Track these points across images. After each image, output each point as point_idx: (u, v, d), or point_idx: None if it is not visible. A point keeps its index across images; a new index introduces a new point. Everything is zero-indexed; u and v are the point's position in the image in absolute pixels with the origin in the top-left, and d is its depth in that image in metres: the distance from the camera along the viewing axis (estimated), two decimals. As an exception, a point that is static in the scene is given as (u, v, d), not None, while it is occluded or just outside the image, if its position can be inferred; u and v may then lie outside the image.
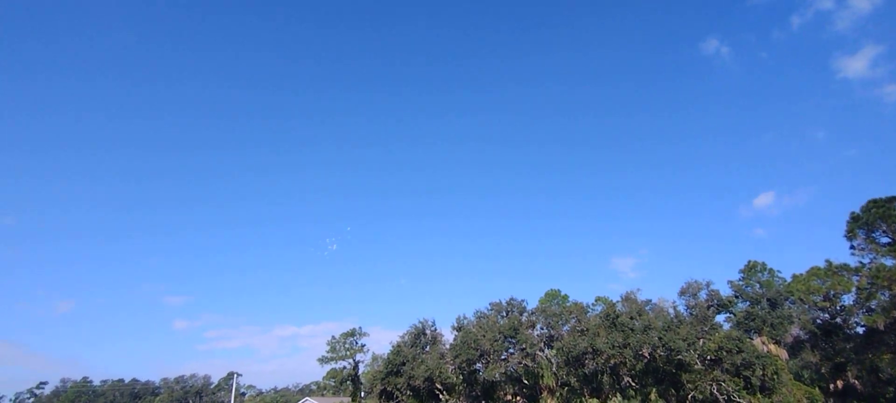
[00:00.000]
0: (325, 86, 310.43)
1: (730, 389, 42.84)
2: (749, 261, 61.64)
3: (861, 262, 48.73)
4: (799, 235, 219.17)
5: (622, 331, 48.85)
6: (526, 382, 53.13)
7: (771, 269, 60.94)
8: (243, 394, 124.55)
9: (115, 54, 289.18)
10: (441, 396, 57.10)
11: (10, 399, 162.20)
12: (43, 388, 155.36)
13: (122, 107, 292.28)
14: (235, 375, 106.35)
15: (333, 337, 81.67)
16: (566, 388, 52.10)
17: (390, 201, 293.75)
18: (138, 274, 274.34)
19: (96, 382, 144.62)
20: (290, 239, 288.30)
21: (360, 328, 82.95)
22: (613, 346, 47.10)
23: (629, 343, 46.95)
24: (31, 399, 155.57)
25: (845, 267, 52.31)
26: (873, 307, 47.75)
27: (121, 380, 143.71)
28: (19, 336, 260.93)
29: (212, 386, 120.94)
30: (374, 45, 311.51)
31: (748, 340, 46.97)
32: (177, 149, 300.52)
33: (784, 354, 51.07)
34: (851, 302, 51.95)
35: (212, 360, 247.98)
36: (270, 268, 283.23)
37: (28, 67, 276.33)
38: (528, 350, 51.73)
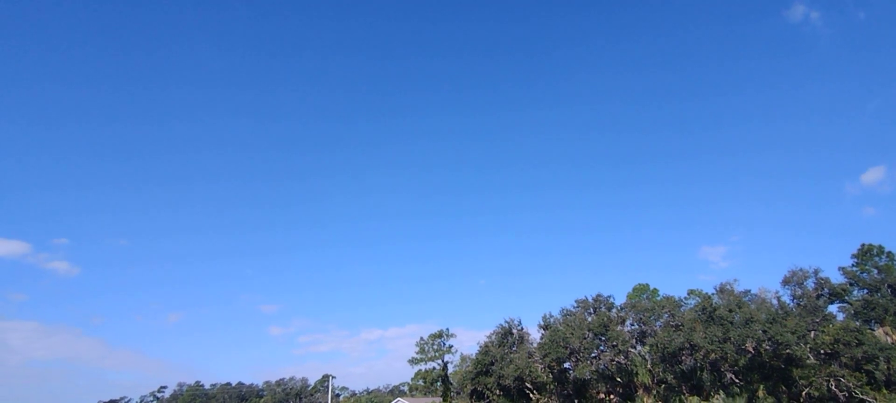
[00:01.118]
0: (414, 83, 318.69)
1: (850, 385, 39.55)
2: (863, 245, 56.36)
3: None
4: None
5: (721, 325, 46.56)
6: (619, 380, 52.03)
7: (889, 252, 55.38)
8: (338, 395, 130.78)
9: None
10: (531, 395, 57.21)
11: (137, 402, 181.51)
12: (163, 392, 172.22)
13: (221, 137, 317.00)
14: (331, 377, 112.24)
15: (422, 339, 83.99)
16: (663, 386, 50.44)
17: (466, 199, 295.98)
18: (236, 286, 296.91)
19: (207, 385, 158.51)
20: (372, 241, 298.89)
21: (447, 329, 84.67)
22: (712, 341, 45.02)
23: (730, 338, 44.67)
24: (153, 402, 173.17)
25: (983, 245, 46.63)
26: None
27: (228, 384, 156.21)
28: (139, 345, 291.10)
29: (309, 388, 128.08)
30: (476, 39, 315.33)
31: (869, 331, 43.19)
32: (264, 173, 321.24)
33: (912, 345, 46.39)
34: None
35: (306, 363, 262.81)
36: (355, 274, 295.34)
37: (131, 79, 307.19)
38: (620, 347, 50.59)
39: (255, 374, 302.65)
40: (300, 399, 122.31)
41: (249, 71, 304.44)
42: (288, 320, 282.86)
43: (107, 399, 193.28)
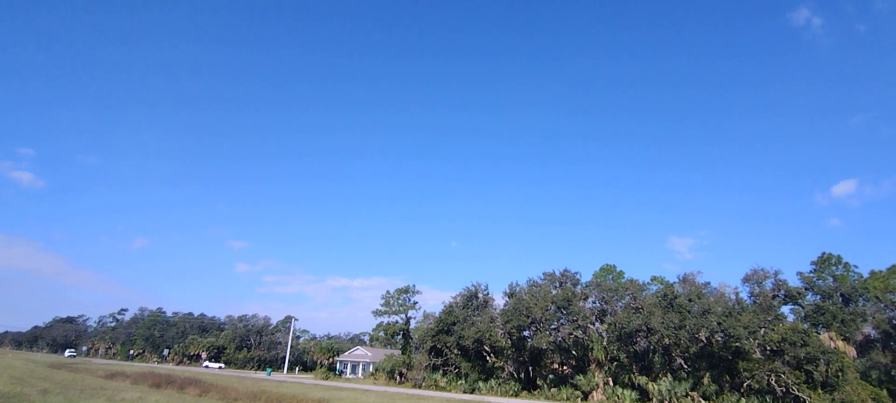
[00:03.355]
0: (390, 51, 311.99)
1: (789, 382, 41.51)
2: (823, 253, 58.35)
3: (953, 264, 45.16)
4: (880, 229, 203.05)
5: (679, 313, 48.05)
6: (574, 353, 53.53)
7: (846, 263, 57.50)
8: (299, 338, 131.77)
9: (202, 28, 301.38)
10: (488, 358, 58.59)
11: (95, 322, 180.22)
12: (123, 315, 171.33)
13: (198, 71, 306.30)
14: (293, 319, 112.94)
15: (388, 292, 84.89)
16: (615, 363, 52.12)
17: (445, 164, 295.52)
18: (207, 219, 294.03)
19: (168, 313, 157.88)
20: (346, 195, 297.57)
21: (413, 286, 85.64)
22: (668, 327, 46.49)
23: (685, 325, 46.17)
24: (113, 323, 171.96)
25: (933, 267, 48.71)
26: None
27: (190, 314, 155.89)
28: (102, 266, 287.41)
29: (270, 327, 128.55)
30: (451, 17, 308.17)
31: (815, 334, 45.09)
32: (244, 107, 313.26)
33: (852, 352, 48.68)
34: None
35: (269, 303, 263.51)
36: (327, 221, 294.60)
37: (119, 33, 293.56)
38: (580, 322, 51.89)
39: (218, 308, 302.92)
40: (261, 336, 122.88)
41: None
42: (256, 258, 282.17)
43: (64, 316, 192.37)
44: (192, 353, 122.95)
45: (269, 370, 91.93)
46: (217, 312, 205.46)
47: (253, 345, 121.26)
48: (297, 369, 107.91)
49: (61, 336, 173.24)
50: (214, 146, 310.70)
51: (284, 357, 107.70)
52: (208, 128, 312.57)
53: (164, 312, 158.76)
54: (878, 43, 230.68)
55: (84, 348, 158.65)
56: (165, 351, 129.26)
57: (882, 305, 52.05)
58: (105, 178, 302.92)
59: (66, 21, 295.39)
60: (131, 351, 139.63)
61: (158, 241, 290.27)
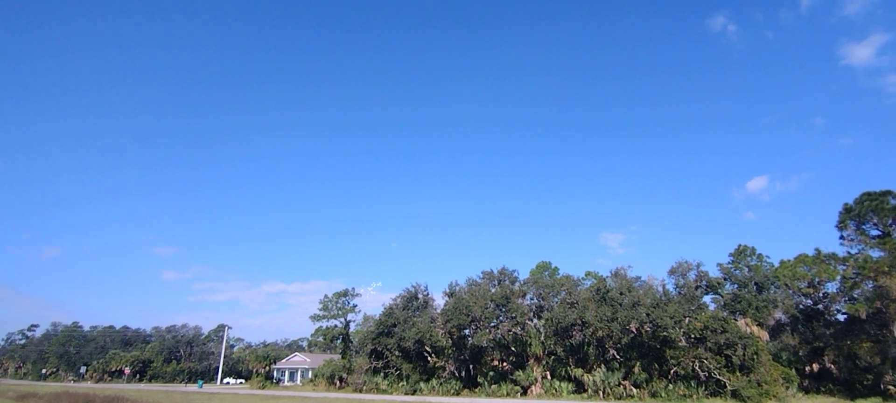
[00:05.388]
0: (321, 46, 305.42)
1: (711, 366, 44.22)
2: (739, 245, 62.66)
3: (849, 252, 49.75)
4: (789, 222, 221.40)
5: (611, 306, 49.98)
6: (513, 349, 54.41)
7: (760, 254, 62.04)
8: (232, 347, 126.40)
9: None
10: (430, 358, 58.48)
11: (3, 339, 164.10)
12: (34, 331, 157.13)
13: (114, 70, 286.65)
14: (226, 328, 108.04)
15: (326, 296, 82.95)
16: (552, 357, 53.49)
17: (383, 165, 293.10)
18: (129, 225, 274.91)
19: (86, 327, 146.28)
20: (278, 197, 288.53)
21: (352, 288, 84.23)
22: (602, 320, 48.24)
23: (617, 318, 48.09)
24: (23, 341, 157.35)
25: (833, 256, 53.40)
26: (856, 296, 49.00)
27: (111, 327, 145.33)
28: (8, 278, 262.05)
29: (202, 337, 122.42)
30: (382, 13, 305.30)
31: (733, 321, 48.20)
32: (169, 107, 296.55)
33: (765, 336, 52.51)
34: (835, 291, 53.33)
35: (201, 312, 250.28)
36: (261, 224, 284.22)
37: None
38: (519, 319, 52.84)
39: (144, 319, 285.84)
40: (192, 347, 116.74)
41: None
42: (185, 265, 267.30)
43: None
44: (113, 369, 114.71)
45: (200, 382, 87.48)
46: (143, 324, 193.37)
47: (183, 357, 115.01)
48: (231, 379, 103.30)
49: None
50: (136, 149, 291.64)
51: (217, 367, 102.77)
52: (128, 131, 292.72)
53: (80, 326, 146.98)
54: (784, 50, 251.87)
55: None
56: (83, 369, 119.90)
57: (790, 292, 56.48)
58: (6, 183, 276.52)
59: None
60: (43, 370, 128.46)
61: (72, 250, 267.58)
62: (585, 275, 69.85)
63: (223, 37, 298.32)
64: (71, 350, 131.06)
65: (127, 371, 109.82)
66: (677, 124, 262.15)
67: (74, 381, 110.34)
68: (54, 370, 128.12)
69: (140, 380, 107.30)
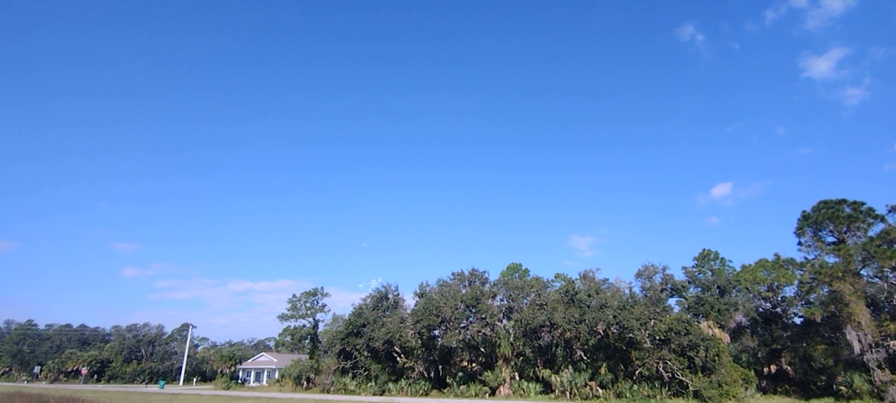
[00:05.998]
0: (297, 39, 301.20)
1: (675, 367, 45.24)
2: (703, 250, 64.29)
3: (806, 258, 51.54)
4: (751, 227, 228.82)
5: (579, 308, 50.62)
6: (483, 350, 54.57)
7: (722, 259, 63.79)
8: (197, 346, 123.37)
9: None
10: (399, 359, 58.15)
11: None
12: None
13: (78, 56, 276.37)
14: (190, 327, 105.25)
15: (295, 295, 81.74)
16: (521, 358, 53.84)
17: (353, 164, 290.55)
18: (87, 218, 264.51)
19: (41, 326, 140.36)
20: (246, 191, 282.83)
21: (321, 288, 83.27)
22: (570, 321, 48.81)
23: (585, 320, 48.73)
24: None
25: (791, 261, 55.23)
26: (812, 300, 50.88)
27: (68, 325, 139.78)
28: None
29: (165, 336, 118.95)
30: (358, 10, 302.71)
31: (696, 323, 49.38)
32: (131, 95, 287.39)
33: (726, 338, 53.98)
34: (792, 295, 55.22)
35: (163, 310, 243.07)
36: (227, 220, 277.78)
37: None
38: (488, 320, 53.02)
39: (103, 318, 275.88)
40: (153, 347, 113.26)
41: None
42: (146, 262, 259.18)
43: None
44: (69, 369, 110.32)
45: (162, 382, 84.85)
46: (102, 322, 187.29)
47: (144, 357, 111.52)
48: (195, 380, 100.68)
49: None
50: (94, 140, 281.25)
51: (180, 368, 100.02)
52: (86, 119, 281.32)
53: (35, 324, 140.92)
54: (749, 61, 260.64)
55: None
56: (37, 369, 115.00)
57: (751, 295, 58.24)
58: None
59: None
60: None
61: (26, 244, 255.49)
62: (555, 277, 70.57)
63: (185, 19, 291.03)
64: (25, 349, 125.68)
65: (84, 371, 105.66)
66: (645, 129, 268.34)
67: (28, 381, 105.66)
68: (7, 369, 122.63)
69: (98, 381, 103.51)
